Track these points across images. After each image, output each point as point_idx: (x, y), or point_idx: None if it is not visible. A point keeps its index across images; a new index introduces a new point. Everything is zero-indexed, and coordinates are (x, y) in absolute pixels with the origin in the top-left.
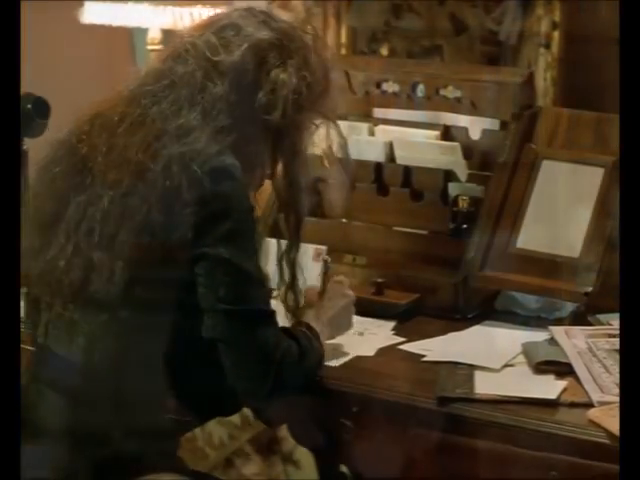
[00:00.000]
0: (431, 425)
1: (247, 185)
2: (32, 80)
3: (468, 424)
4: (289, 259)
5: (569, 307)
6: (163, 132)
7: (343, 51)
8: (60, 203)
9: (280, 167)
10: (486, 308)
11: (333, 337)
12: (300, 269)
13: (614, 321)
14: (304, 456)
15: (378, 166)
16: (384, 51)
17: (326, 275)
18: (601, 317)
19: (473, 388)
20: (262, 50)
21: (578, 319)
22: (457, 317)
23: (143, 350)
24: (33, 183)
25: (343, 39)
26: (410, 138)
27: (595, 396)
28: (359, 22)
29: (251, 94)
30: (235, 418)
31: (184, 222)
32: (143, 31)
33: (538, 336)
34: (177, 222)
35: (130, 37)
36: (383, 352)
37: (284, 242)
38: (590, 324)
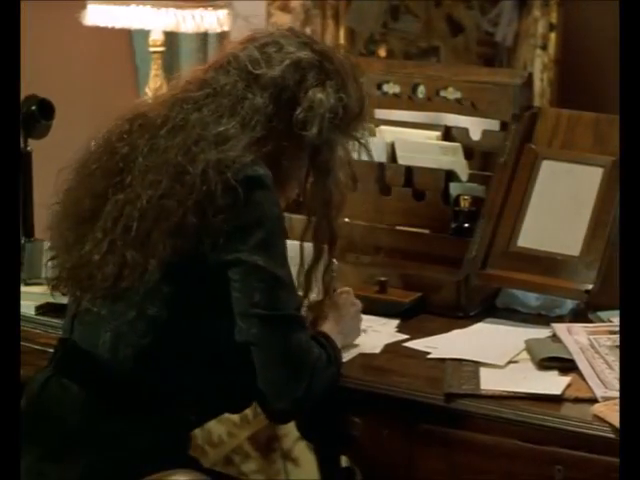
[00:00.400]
0: (439, 421)
1: (278, 195)
2: (32, 81)
3: (475, 420)
4: (313, 273)
5: (569, 304)
6: (202, 137)
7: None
8: (98, 200)
9: (312, 183)
10: (487, 306)
11: (346, 345)
12: (316, 282)
13: (615, 318)
14: (303, 453)
15: (380, 166)
16: (382, 52)
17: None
18: (601, 314)
19: (479, 384)
20: (302, 68)
21: (578, 316)
22: (459, 315)
23: (165, 348)
24: (70, 180)
25: (341, 40)
26: (411, 139)
27: (599, 391)
28: (357, 23)
29: (289, 109)
30: (234, 416)
31: (217, 227)
32: (143, 32)
33: (540, 333)
34: (211, 226)
35: (130, 38)
36: (389, 349)
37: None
38: (590, 321)
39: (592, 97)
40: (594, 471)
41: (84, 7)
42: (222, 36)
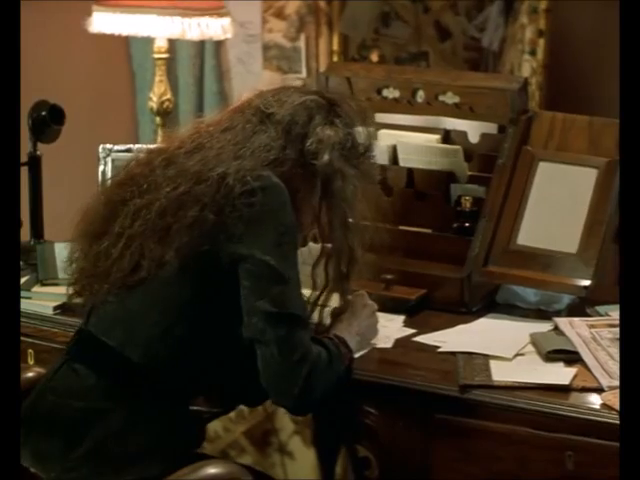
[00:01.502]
0: (454, 411)
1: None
2: (28, 85)
3: (489, 409)
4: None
5: (566, 300)
6: (220, 154)
7: (335, 58)
8: (114, 207)
9: (327, 212)
10: (488, 302)
11: (366, 347)
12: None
13: (612, 312)
14: (298, 447)
15: (382, 168)
16: (374, 57)
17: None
18: (599, 308)
19: (491, 376)
20: (311, 108)
21: (575, 311)
22: (462, 310)
23: (175, 339)
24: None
25: (335, 46)
26: (413, 141)
27: (604, 381)
28: (350, 30)
29: (299, 142)
30: None
31: (233, 224)
32: (140, 39)
33: (541, 327)
34: (227, 223)
35: (127, 44)
36: (400, 344)
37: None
38: (588, 315)
39: (578, 99)
40: (603, 456)
41: (83, 12)
42: (219, 42)
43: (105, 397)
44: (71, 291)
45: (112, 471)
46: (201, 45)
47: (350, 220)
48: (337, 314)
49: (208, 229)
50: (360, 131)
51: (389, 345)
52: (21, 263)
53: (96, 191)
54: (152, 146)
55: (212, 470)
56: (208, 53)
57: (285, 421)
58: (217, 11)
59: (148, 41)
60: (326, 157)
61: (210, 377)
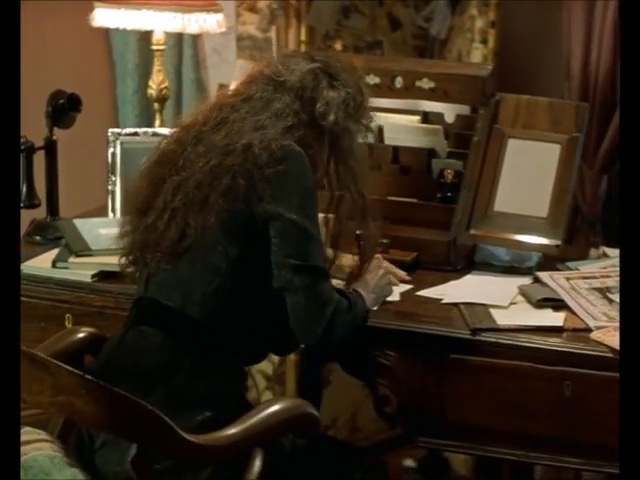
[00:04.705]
0: (466, 351)
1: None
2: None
3: (496, 348)
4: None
5: (535, 258)
6: (242, 127)
7: (303, 48)
8: (156, 185)
9: (337, 166)
10: (469, 261)
11: (380, 300)
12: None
13: (581, 267)
14: None
15: (370, 147)
16: (337, 46)
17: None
18: (570, 264)
19: (495, 321)
20: (316, 74)
21: (544, 267)
22: (449, 269)
23: (227, 293)
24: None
25: (303, 37)
26: (398, 122)
27: (591, 323)
28: (316, 22)
29: (310, 106)
30: None
31: (263, 188)
32: (119, 30)
33: (522, 281)
34: (257, 187)
35: (106, 35)
36: (405, 297)
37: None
38: (559, 270)
39: (524, 82)
40: (596, 384)
41: (69, 9)
42: (196, 34)
43: (172, 351)
44: (124, 261)
45: (184, 414)
46: (180, 36)
47: (358, 171)
48: (356, 273)
49: (241, 193)
50: (353, 83)
51: (397, 298)
52: (39, 238)
53: (139, 171)
54: (177, 126)
55: (279, 406)
56: (186, 43)
57: (257, 378)
58: (213, 7)
59: (128, 33)
60: (332, 117)
61: (256, 328)
